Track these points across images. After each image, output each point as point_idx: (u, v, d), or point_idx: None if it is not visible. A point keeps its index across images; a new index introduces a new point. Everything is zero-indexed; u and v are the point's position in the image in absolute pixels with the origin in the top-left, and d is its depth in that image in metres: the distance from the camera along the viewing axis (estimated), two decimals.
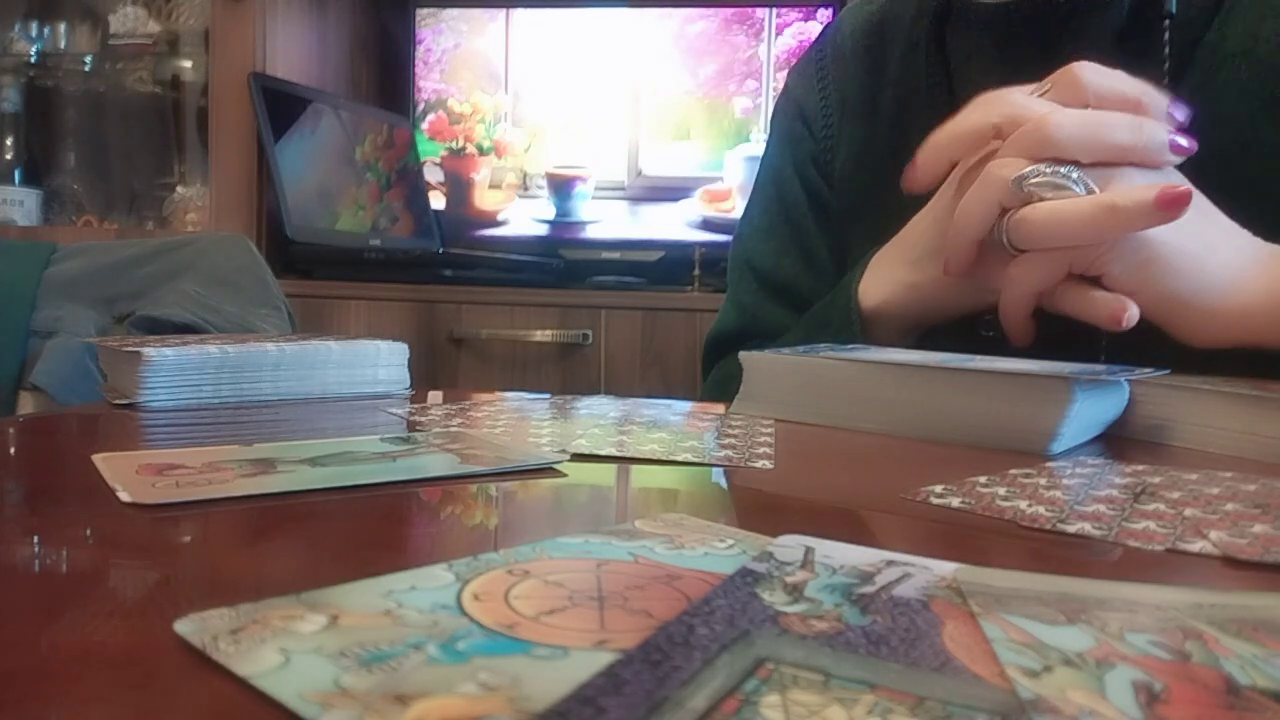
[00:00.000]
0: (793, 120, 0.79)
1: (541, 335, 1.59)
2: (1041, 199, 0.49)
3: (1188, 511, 0.31)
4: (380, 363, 0.59)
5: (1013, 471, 0.38)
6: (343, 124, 1.83)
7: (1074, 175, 0.49)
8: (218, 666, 0.17)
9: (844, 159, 0.75)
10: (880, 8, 0.77)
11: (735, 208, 1.86)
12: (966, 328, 0.64)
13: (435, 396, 0.59)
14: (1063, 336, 0.61)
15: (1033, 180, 0.49)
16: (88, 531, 0.28)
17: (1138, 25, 0.61)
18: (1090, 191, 0.49)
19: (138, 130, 1.90)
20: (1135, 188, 0.49)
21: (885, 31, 0.75)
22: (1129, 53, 0.59)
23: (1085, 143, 0.49)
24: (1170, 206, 0.47)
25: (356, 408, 0.53)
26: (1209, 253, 0.50)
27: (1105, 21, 0.61)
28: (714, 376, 0.78)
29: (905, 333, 0.63)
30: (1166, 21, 0.60)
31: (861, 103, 0.75)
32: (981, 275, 0.54)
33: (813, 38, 1.86)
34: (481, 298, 1.61)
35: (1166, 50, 0.60)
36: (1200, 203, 0.51)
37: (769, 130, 0.84)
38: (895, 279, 0.61)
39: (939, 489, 0.34)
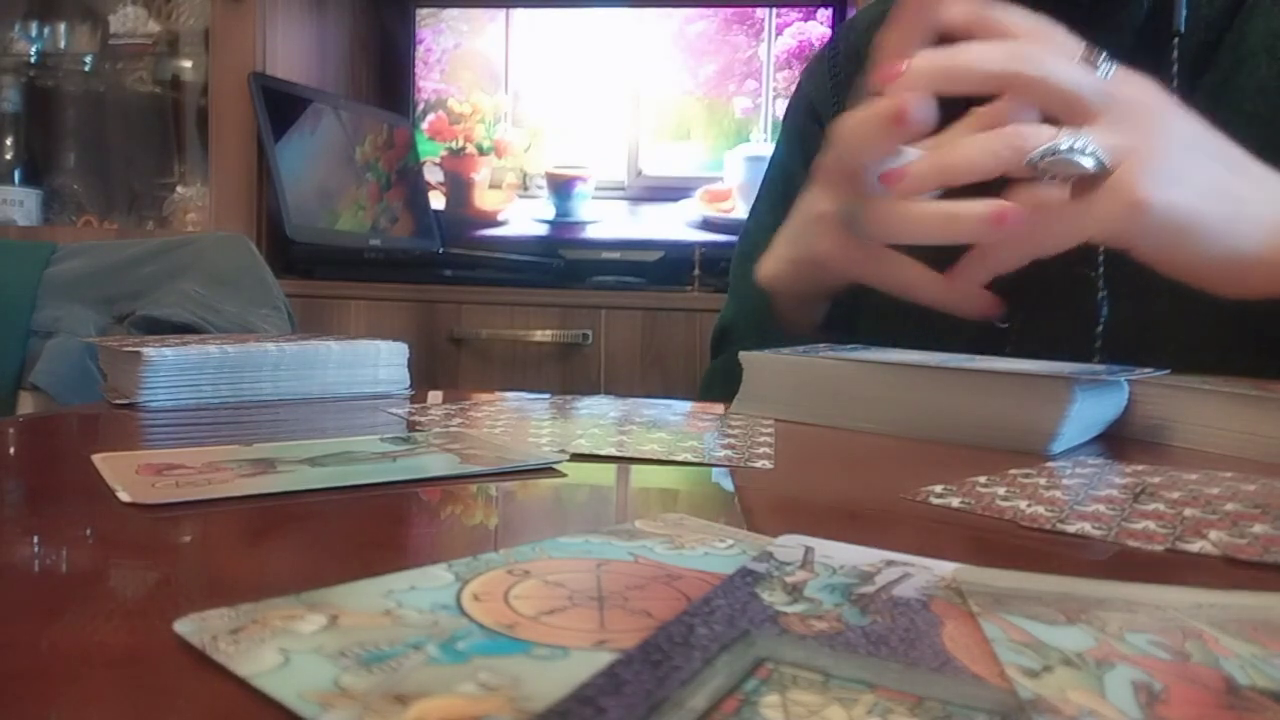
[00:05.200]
0: (804, 117, 0.79)
1: (541, 335, 1.59)
2: (1052, 177, 0.47)
3: (1188, 511, 0.31)
4: (380, 363, 0.59)
5: (1013, 471, 0.38)
6: (343, 124, 1.83)
7: (1088, 149, 0.46)
8: (218, 666, 0.17)
9: None
10: (896, 4, 0.77)
11: (735, 208, 1.86)
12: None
13: (435, 396, 0.59)
14: (1057, 336, 0.61)
15: (1049, 158, 0.46)
16: (88, 531, 0.28)
17: (1158, 22, 0.61)
18: (1099, 166, 0.46)
19: (138, 130, 1.90)
20: (975, 202, 0.48)
21: None
22: (1148, 49, 0.59)
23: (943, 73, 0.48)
24: (999, 223, 0.47)
25: (356, 408, 0.53)
26: (1239, 207, 0.49)
27: (1126, 17, 0.61)
28: (709, 370, 0.79)
29: (807, 302, 0.64)
30: (1183, 14, 0.60)
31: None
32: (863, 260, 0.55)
33: (813, 38, 1.86)
34: (481, 298, 1.61)
35: (1175, 39, 0.60)
36: (1229, 155, 0.49)
37: (780, 130, 0.84)
38: (780, 255, 0.63)
39: (939, 489, 0.34)
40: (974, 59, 0.48)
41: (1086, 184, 0.46)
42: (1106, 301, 0.60)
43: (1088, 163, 0.46)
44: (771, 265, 0.64)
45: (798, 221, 0.61)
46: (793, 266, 0.63)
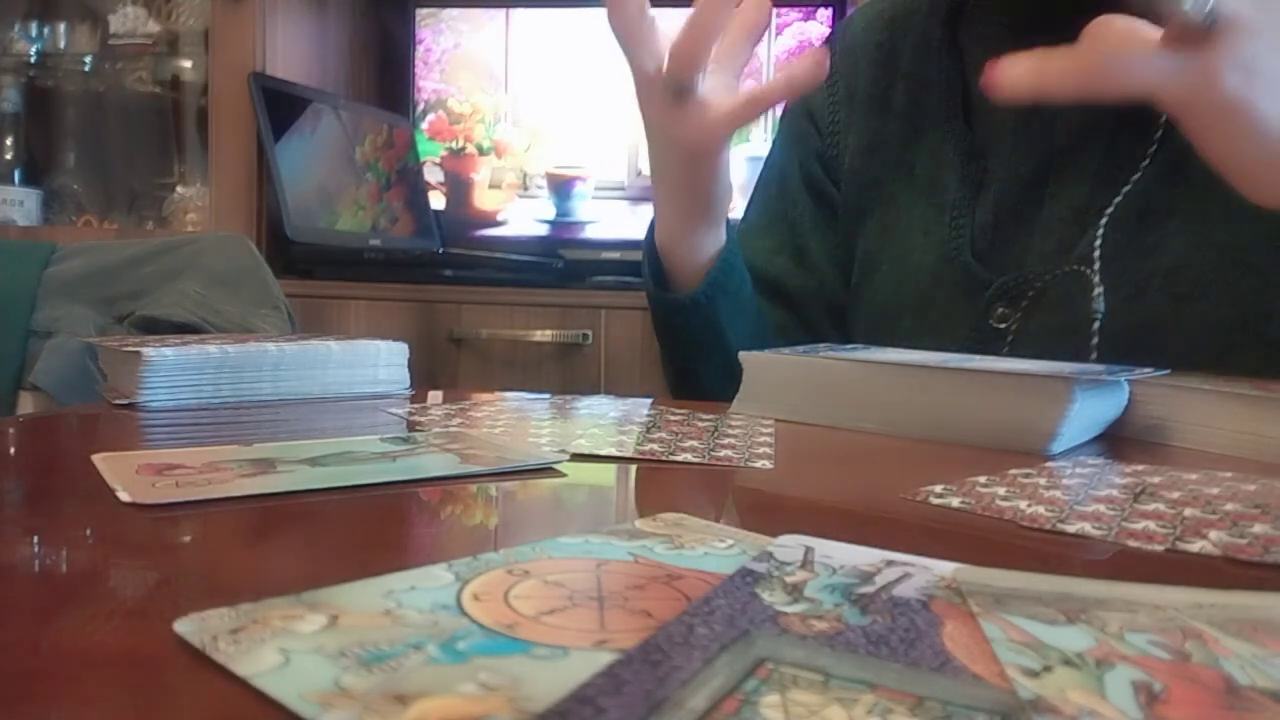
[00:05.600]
0: (799, 118, 0.80)
1: (541, 335, 1.59)
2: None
3: (1188, 511, 0.31)
4: (380, 363, 0.59)
5: (1013, 471, 0.38)
6: (343, 124, 1.83)
7: (1209, 4, 0.43)
8: (218, 666, 0.17)
9: (852, 152, 0.76)
10: (893, 4, 0.77)
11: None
12: (977, 317, 0.64)
13: (435, 396, 0.59)
14: (1053, 334, 0.61)
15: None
16: (88, 531, 0.28)
17: (1155, 21, 0.61)
18: (1207, 24, 0.43)
19: (138, 130, 1.90)
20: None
21: (897, 27, 0.75)
22: None
23: None
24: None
25: (356, 408, 0.53)
26: None
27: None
28: None
29: (692, 234, 0.67)
30: None
31: (872, 97, 0.75)
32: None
33: (812, 38, 1.86)
34: (481, 298, 1.61)
35: None
36: None
37: (776, 132, 0.84)
38: (655, 198, 0.68)
39: (939, 489, 0.34)
40: None
41: (1180, 32, 0.44)
42: (1103, 299, 0.60)
43: (1197, 15, 0.43)
44: (661, 219, 0.67)
45: (656, 151, 0.65)
46: (665, 194, 0.66)
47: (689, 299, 0.65)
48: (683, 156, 0.63)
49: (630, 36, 0.59)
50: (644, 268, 0.69)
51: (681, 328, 0.67)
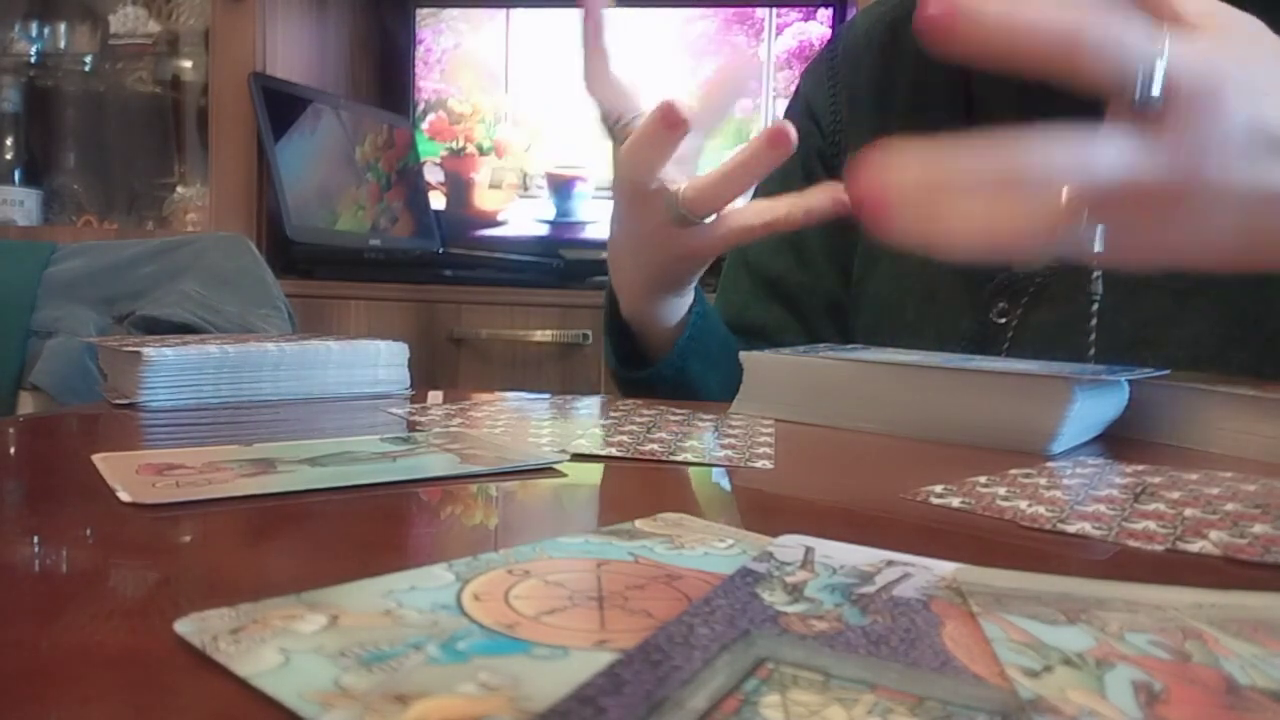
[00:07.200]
0: (801, 117, 0.80)
1: (541, 335, 1.59)
2: None
3: (1188, 511, 0.32)
4: (380, 363, 0.59)
5: (1013, 471, 0.38)
6: (343, 124, 1.83)
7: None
8: (218, 666, 0.17)
9: (854, 151, 0.76)
10: (893, 6, 0.77)
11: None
12: (978, 312, 0.64)
13: (435, 396, 0.59)
14: (1053, 331, 0.61)
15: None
16: (88, 531, 0.28)
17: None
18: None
19: (138, 130, 1.90)
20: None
21: (900, 28, 0.76)
22: None
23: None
24: (777, 143, 0.52)
25: (356, 408, 0.53)
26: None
27: None
28: None
29: (650, 289, 0.66)
30: None
31: (874, 97, 0.75)
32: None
33: (813, 38, 1.86)
34: (481, 298, 1.61)
35: None
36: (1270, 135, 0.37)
37: None
38: (630, 281, 0.67)
39: (939, 489, 0.34)
40: None
41: (1128, 111, 0.36)
42: (1101, 298, 0.60)
43: (1141, 95, 0.34)
44: (627, 295, 0.67)
45: (634, 242, 0.64)
46: (645, 284, 0.65)
47: (655, 375, 0.65)
48: (670, 258, 0.62)
49: (651, 158, 0.58)
50: (605, 343, 0.68)
51: (650, 393, 0.68)
